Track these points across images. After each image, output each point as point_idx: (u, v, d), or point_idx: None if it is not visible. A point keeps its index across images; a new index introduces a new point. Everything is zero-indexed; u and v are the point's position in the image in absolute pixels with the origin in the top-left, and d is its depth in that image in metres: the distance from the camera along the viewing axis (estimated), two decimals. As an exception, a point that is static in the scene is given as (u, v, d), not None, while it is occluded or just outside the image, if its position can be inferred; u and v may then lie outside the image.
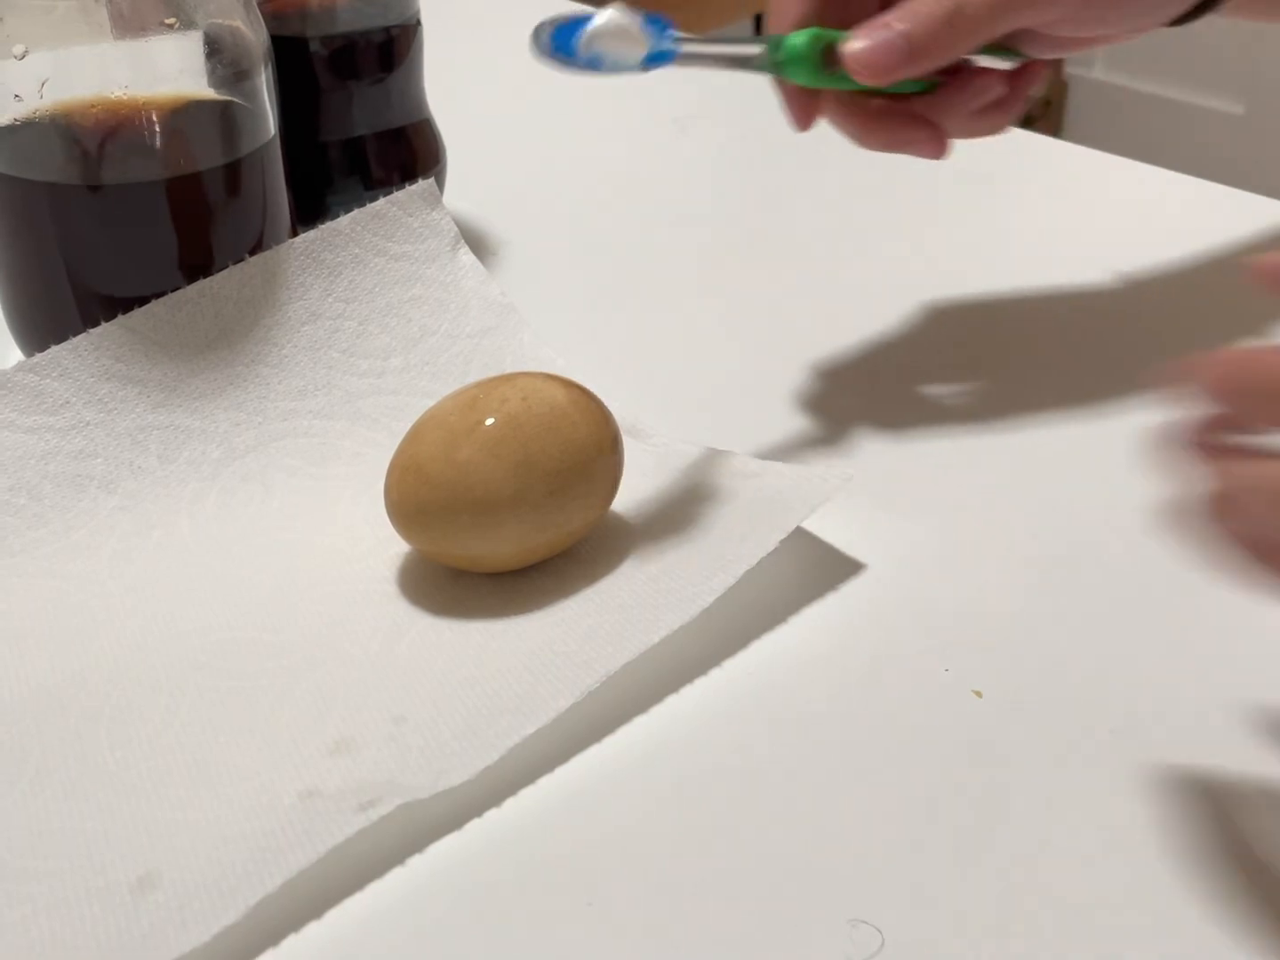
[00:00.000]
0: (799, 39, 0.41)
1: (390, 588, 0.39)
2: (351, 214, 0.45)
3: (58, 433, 0.40)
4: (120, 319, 0.41)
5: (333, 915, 0.30)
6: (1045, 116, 2.17)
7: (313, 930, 0.30)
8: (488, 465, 0.36)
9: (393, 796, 0.31)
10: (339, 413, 0.44)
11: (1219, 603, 0.37)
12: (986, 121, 0.45)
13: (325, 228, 0.45)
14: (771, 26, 0.43)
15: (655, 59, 0.38)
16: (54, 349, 0.40)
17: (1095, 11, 0.43)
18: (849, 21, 0.42)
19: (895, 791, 0.33)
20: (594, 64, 0.37)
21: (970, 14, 0.40)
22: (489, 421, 0.37)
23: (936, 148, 0.44)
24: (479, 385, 0.38)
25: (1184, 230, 0.60)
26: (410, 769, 0.33)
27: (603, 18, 0.36)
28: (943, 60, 0.41)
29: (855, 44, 0.40)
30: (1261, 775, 0.34)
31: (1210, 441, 0.29)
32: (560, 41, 0.36)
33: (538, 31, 0.36)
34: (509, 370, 0.44)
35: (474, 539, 0.37)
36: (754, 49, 0.41)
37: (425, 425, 0.38)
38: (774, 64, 0.41)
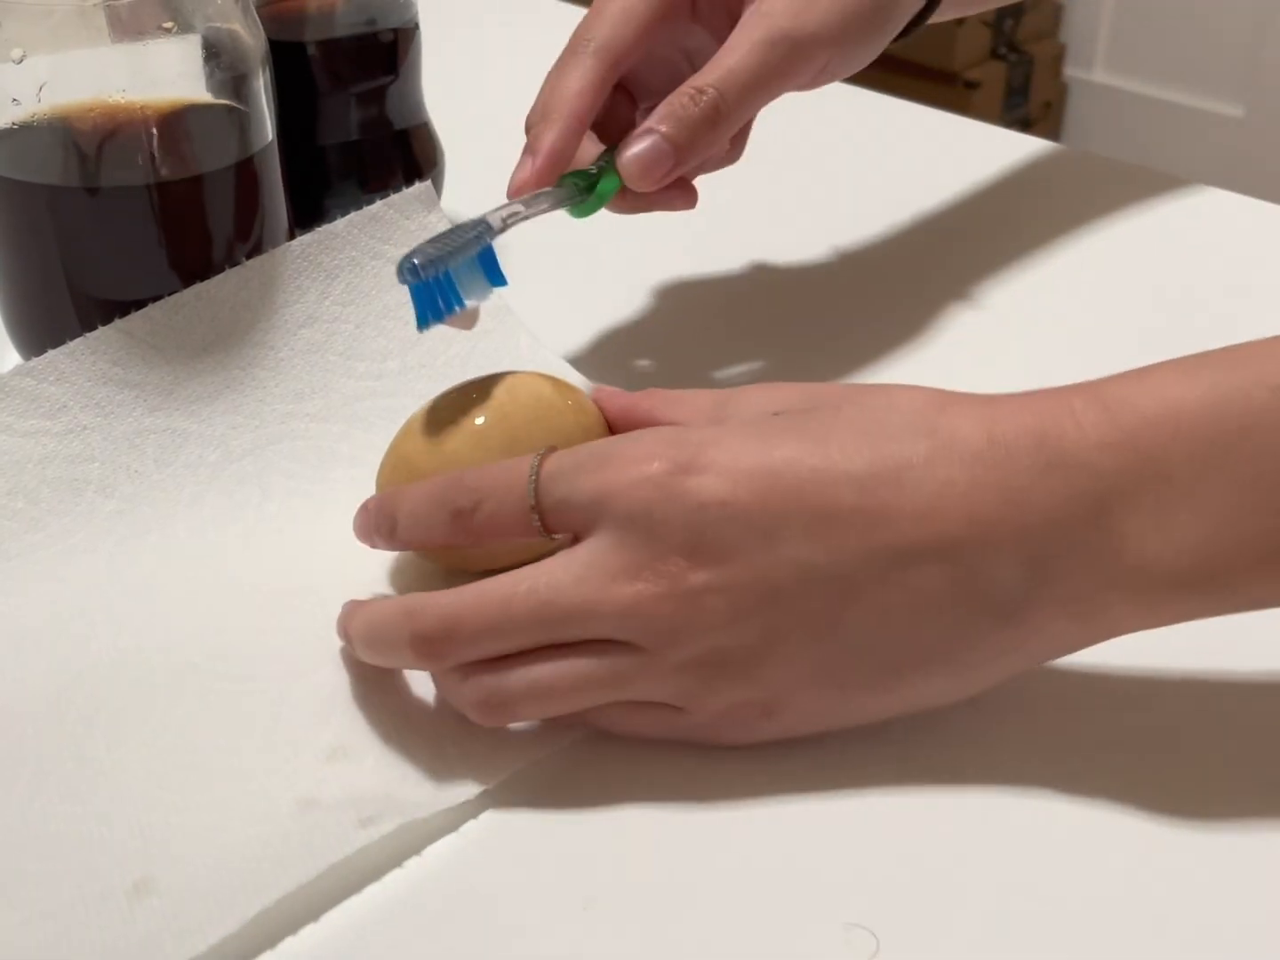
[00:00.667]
0: (609, 185, 0.42)
1: (387, 590, 0.39)
2: (348, 217, 0.45)
3: (55, 437, 0.40)
4: (117, 323, 0.41)
5: (331, 917, 0.31)
6: (1045, 119, 2.17)
7: (309, 932, 0.30)
8: (475, 456, 0.36)
9: (393, 814, 0.31)
10: (336, 415, 0.44)
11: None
12: (724, 160, 0.47)
13: (322, 231, 0.45)
14: (550, 171, 0.42)
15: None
16: (51, 353, 0.40)
17: (843, 61, 0.45)
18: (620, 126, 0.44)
19: (892, 796, 0.33)
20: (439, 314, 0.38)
21: (729, 106, 0.42)
22: (476, 414, 0.37)
23: (688, 199, 0.45)
24: (467, 382, 0.39)
25: (1182, 235, 0.60)
26: (410, 780, 0.33)
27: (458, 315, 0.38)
28: (711, 150, 0.43)
29: (627, 154, 0.42)
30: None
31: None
32: (422, 301, 0.38)
33: (409, 267, 0.37)
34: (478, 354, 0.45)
35: None
36: (564, 196, 0.42)
37: (414, 421, 0.38)
38: (592, 199, 0.43)
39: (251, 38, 0.44)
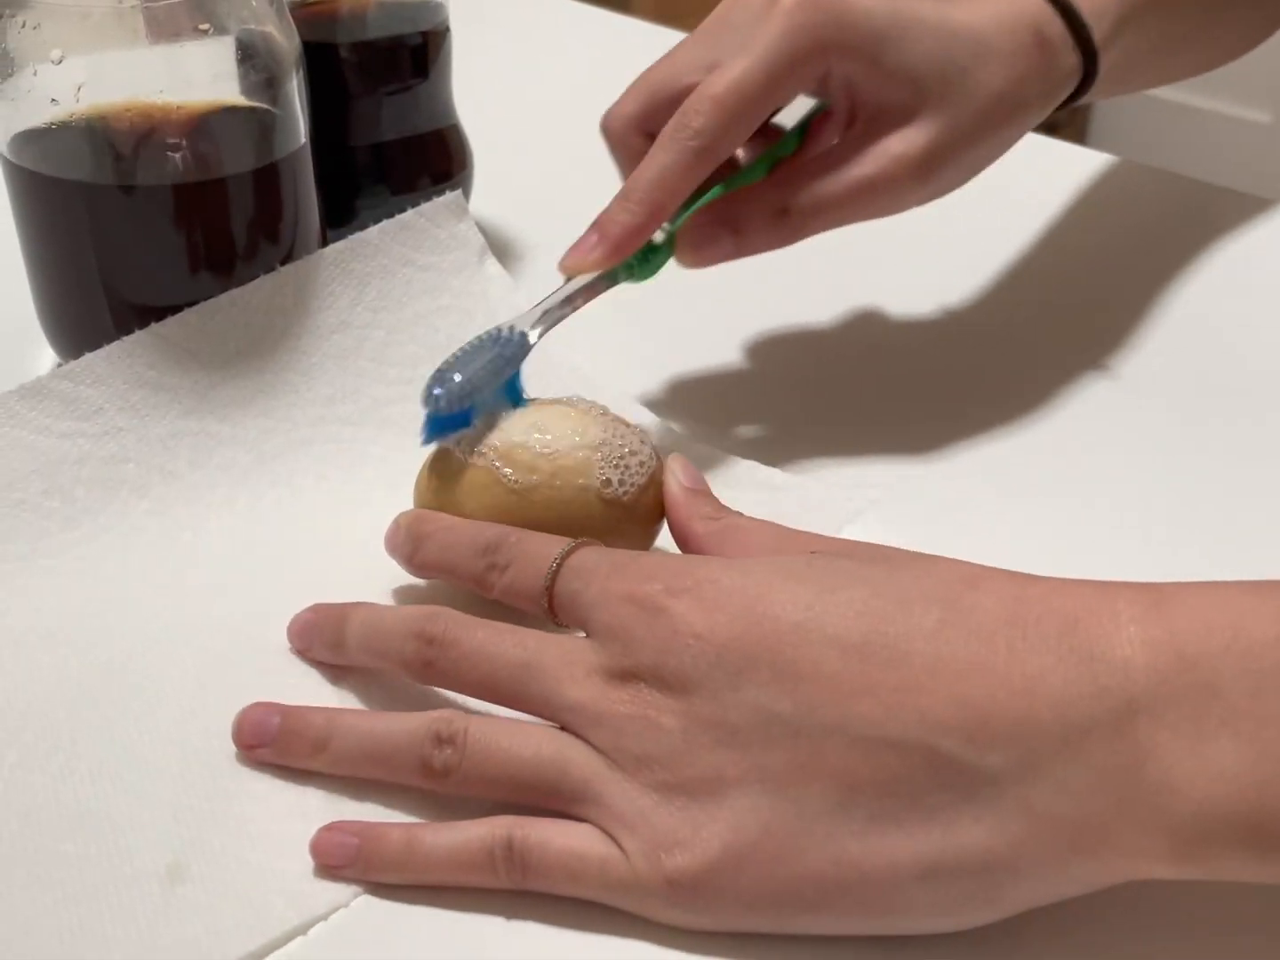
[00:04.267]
0: (663, 257, 0.43)
1: (415, 590, 0.39)
2: (380, 225, 0.45)
3: (91, 438, 0.40)
4: (153, 327, 0.42)
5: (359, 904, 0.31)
6: (1070, 124, 2.16)
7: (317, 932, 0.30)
8: (516, 516, 0.37)
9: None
10: (367, 419, 0.44)
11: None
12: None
13: (354, 238, 0.45)
14: (612, 259, 0.41)
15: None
16: (88, 356, 0.41)
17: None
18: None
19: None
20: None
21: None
22: (535, 478, 0.37)
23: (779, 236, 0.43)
24: (543, 424, 0.37)
25: (1209, 240, 0.60)
26: None
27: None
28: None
29: (687, 241, 0.42)
30: None
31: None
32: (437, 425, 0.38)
33: (435, 396, 0.37)
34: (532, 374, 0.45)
35: None
36: (613, 277, 0.41)
37: (483, 448, 0.37)
38: (642, 269, 0.42)
39: (285, 39, 0.44)
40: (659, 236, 0.42)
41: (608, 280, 0.41)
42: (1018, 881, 0.28)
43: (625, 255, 0.41)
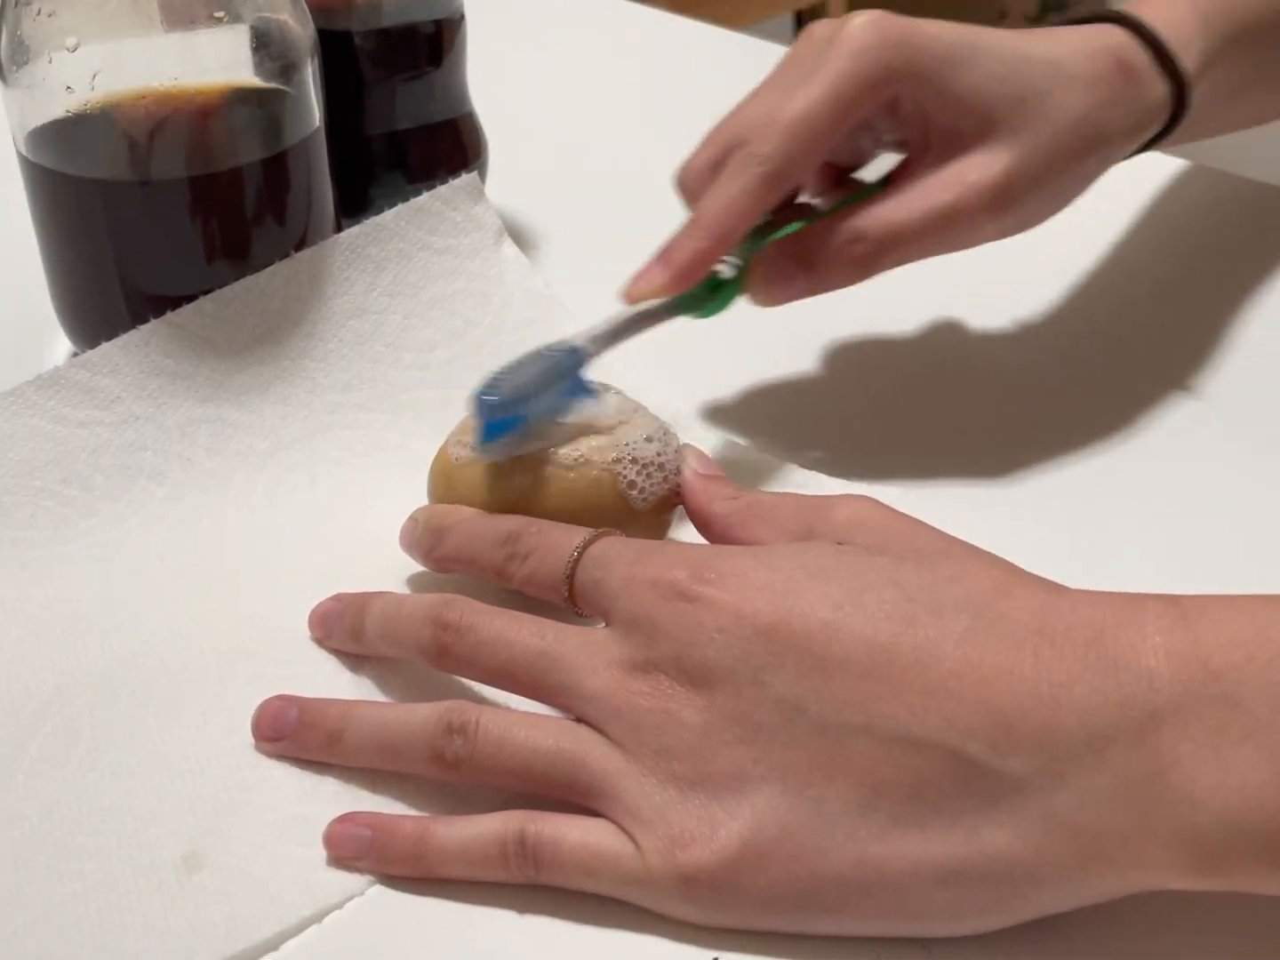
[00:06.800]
0: (731, 293, 0.42)
1: (433, 579, 0.39)
2: (395, 209, 0.45)
3: (109, 427, 0.41)
4: (169, 316, 0.42)
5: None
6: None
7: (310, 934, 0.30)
8: (535, 506, 0.36)
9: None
10: (384, 405, 0.44)
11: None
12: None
13: (369, 223, 0.45)
14: (678, 286, 0.40)
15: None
16: (105, 346, 0.41)
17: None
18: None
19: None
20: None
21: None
22: (549, 473, 0.37)
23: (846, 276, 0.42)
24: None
25: (1240, 235, 0.59)
26: None
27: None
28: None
29: (759, 280, 0.41)
30: None
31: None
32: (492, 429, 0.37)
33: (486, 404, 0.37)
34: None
35: None
36: (676, 305, 0.41)
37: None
38: (712, 304, 0.42)
39: (300, 27, 0.44)
40: (728, 272, 0.42)
41: (672, 310, 0.41)
42: (1037, 888, 0.28)
43: (691, 283, 0.40)
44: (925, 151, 0.42)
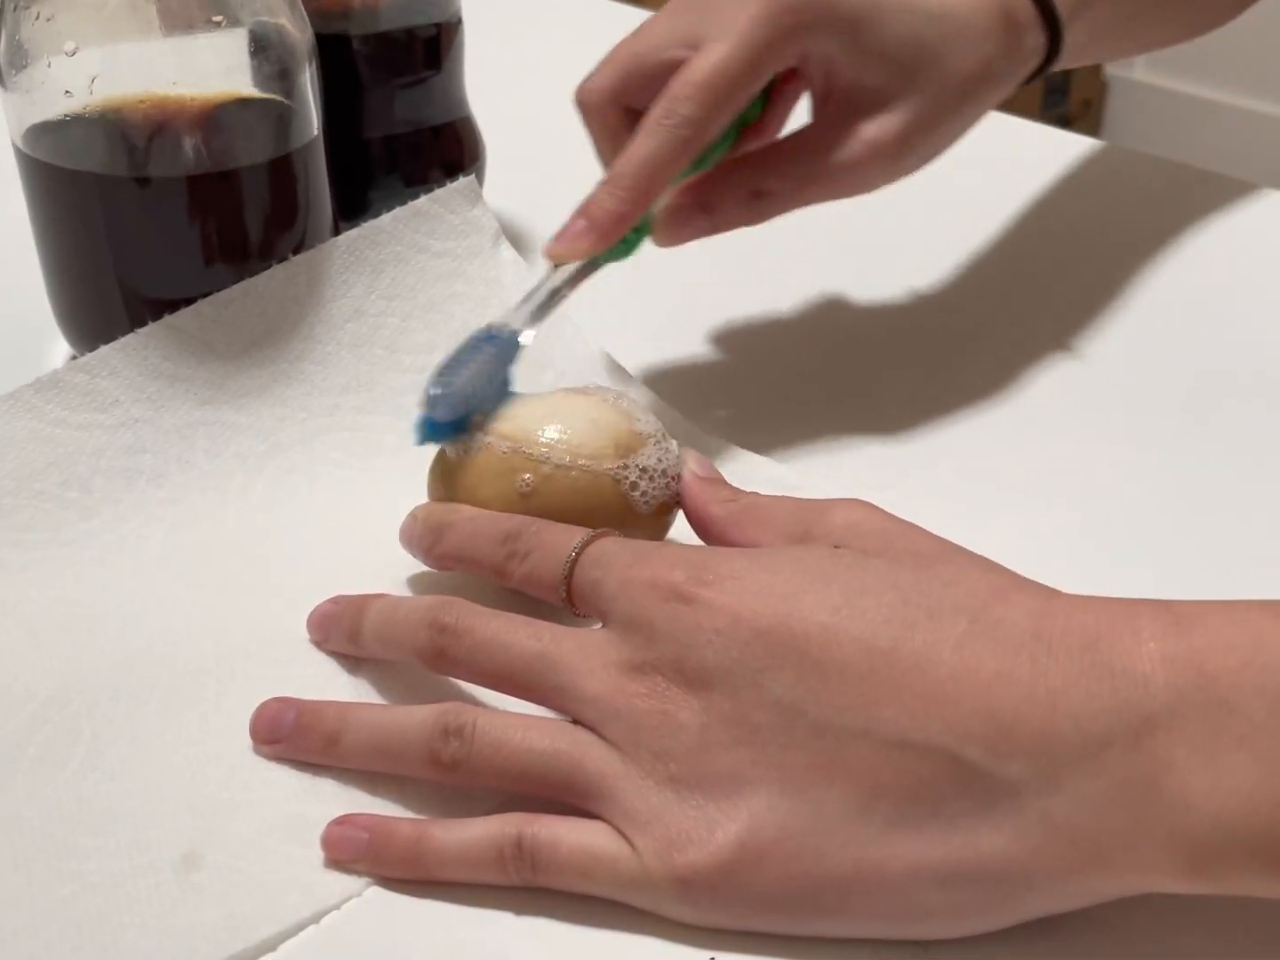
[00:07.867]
0: (638, 236, 0.43)
1: (433, 579, 0.39)
2: (393, 212, 0.45)
3: (108, 429, 0.41)
4: (168, 319, 0.42)
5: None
6: (1084, 117, 2.15)
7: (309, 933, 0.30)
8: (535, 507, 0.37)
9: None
10: (382, 408, 0.44)
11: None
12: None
13: (367, 226, 0.45)
14: (602, 244, 0.41)
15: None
16: (103, 349, 0.41)
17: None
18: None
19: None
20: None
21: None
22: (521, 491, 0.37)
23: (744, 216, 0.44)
24: (561, 411, 0.37)
25: (1224, 233, 0.60)
26: None
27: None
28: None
29: (662, 222, 0.43)
30: None
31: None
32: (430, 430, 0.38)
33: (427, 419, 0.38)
34: (551, 362, 0.45)
35: None
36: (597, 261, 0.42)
37: (494, 434, 0.37)
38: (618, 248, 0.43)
39: (298, 31, 0.44)
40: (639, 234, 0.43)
41: (590, 266, 0.42)
42: (1034, 890, 0.28)
43: (613, 241, 0.41)
44: (825, 102, 0.44)
